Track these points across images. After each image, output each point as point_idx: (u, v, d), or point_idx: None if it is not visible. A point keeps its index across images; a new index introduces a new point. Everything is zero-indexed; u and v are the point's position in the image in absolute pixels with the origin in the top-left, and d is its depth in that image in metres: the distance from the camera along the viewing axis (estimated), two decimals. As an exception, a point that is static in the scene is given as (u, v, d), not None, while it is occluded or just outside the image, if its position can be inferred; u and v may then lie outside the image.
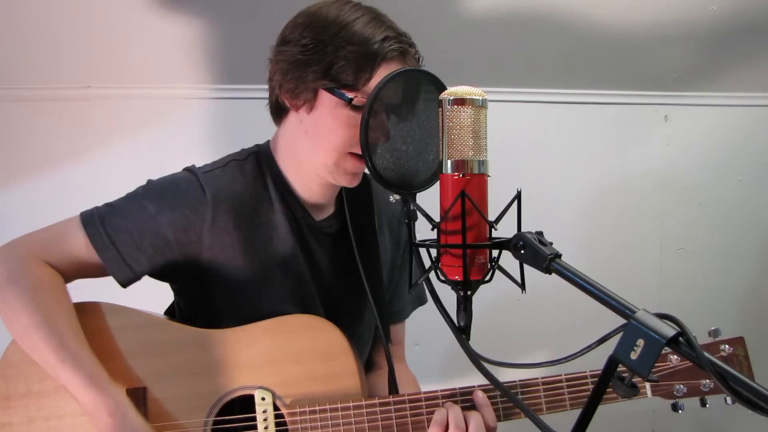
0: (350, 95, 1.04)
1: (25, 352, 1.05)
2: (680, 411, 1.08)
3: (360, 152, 1.03)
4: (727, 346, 1.09)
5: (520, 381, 1.09)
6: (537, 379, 1.09)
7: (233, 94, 1.95)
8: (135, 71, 1.88)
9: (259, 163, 1.17)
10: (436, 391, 1.08)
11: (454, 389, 1.08)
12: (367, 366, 1.33)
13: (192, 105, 1.96)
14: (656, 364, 1.09)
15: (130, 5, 1.72)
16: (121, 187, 1.18)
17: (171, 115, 1.94)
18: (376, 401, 1.07)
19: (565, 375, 1.09)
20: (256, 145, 1.22)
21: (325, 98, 1.07)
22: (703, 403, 1.09)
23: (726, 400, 1.05)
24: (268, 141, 1.22)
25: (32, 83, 1.85)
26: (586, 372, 1.10)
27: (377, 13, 1.07)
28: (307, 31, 1.06)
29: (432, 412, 1.06)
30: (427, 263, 0.76)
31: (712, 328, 1.09)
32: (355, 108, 1.04)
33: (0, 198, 1.87)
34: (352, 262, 1.20)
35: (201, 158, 1.22)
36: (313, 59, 1.04)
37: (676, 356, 1.09)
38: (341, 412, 1.06)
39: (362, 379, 1.12)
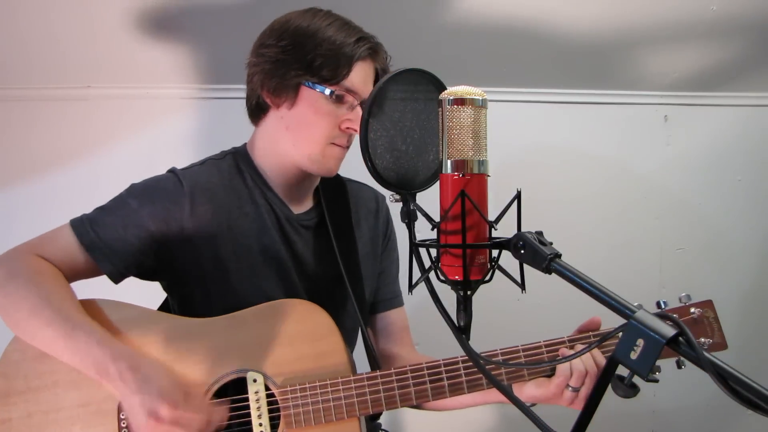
0: (330, 89, 1.14)
1: (25, 350, 1.07)
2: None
3: (340, 143, 1.17)
4: (697, 309, 1.12)
5: (501, 349, 1.15)
6: (518, 346, 1.16)
7: (236, 94, 1.95)
8: (135, 71, 1.88)
9: (237, 161, 1.24)
10: (421, 364, 1.12)
11: (438, 360, 1.12)
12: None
13: (193, 105, 1.96)
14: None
15: (131, 5, 1.72)
16: (121, 187, 1.19)
17: (171, 115, 1.95)
18: (364, 376, 1.12)
19: (545, 341, 1.17)
20: (233, 147, 1.29)
21: (306, 93, 1.16)
22: (679, 365, 1.09)
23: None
24: (245, 143, 1.28)
25: (32, 83, 1.85)
26: (564, 338, 1.18)
27: (346, 20, 1.18)
28: (285, 35, 1.16)
29: (419, 384, 1.10)
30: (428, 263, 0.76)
31: (683, 293, 1.12)
32: (336, 100, 1.14)
33: (0, 198, 1.86)
34: (332, 254, 1.26)
35: (201, 158, 1.22)
36: (294, 57, 1.14)
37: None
38: (331, 388, 1.10)
39: (349, 355, 1.17)
